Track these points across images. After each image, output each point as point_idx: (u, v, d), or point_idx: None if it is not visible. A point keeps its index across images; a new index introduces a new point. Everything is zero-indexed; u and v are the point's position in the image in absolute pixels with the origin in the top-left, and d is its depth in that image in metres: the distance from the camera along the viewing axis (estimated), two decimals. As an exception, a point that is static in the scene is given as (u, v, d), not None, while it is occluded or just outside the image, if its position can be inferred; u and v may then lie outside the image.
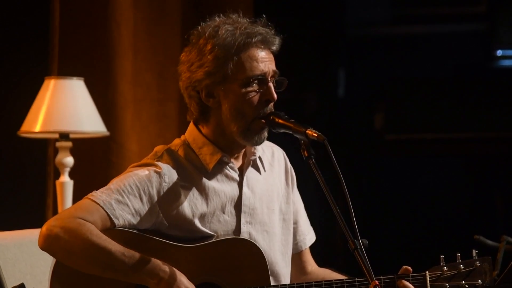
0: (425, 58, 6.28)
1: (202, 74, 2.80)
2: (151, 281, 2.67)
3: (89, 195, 2.73)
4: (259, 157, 2.94)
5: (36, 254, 3.36)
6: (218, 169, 2.85)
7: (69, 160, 4.56)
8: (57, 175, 4.66)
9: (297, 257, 3.07)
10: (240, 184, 2.89)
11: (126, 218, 2.73)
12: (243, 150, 2.91)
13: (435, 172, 6.22)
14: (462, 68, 6.26)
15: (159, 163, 2.79)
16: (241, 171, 2.90)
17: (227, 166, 2.86)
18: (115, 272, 2.68)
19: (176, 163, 2.82)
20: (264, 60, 2.79)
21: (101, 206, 2.70)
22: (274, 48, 2.83)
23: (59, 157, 4.56)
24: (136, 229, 2.77)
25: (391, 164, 6.26)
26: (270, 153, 3.01)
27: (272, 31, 2.84)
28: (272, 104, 2.80)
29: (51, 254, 2.71)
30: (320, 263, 3.15)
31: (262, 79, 2.79)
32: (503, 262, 3.74)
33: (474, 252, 2.82)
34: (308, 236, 3.10)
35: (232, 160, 2.88)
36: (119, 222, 2.72)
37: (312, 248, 3.13)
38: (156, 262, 2.68)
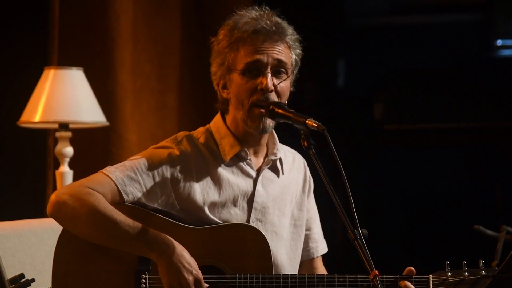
0: (425, 48, 6.28)
1: (215, 66, 2.88)
2: (153, 253, 2.70)
3: (103, 170, 2.78)
4: (280, 160, 2.96)
5: (36, 244, 3.37)
6: (235, 162, 2.89)
7: (69, 150, 4.57)
8: (57, 165, 4.67)
9: (308, 263, 3.10)
10: (255, 181, 2.91)
11: (136, 195, 2.77)
12: (263, 146, 2.93)
13: (435, 162, 6.22)
14: (462, 58, 6.25)
15: (177, 147, 2.84)
16: (259, 170, 2.92)
17: (245, 162, 2.89)
18: (119, 241, 2.71)
19: (194, 149, 2.85)
20: (262, 50, 2.80)
21: (113, 181, 2.75)
22: (282, 39, 2.83)
23: (59, 147, 4.57)
24: (145, 207, 2.80)
25: (391, 154, 6.26)
26: (291, 159, 3.04)
27: (281, 23, 2.85)
28: (272, 93, 2.80)
29: (57, 221, 2.75)
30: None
31: (258, 68, 2.80)
32: (503, 252, 3.75)
33: (481, 262, 2.82)
34: (321, 245, 3.13)
35: (252, 157, 2.91)
36: (128, 198, 2.76)
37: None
38: (160, 235, 2.71)
